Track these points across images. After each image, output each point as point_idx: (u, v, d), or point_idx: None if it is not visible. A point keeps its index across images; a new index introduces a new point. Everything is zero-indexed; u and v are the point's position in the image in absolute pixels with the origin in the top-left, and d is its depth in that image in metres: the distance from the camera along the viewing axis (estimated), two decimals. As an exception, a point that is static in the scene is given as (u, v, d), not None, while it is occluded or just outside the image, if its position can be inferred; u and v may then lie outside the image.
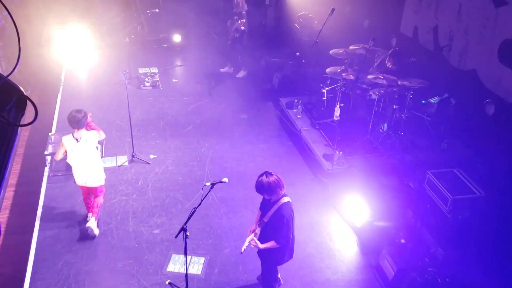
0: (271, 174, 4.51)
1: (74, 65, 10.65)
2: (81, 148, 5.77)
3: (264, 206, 4.72)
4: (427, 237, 6.13)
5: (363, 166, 7.39)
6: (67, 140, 5.77)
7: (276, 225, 4.51)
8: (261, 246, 4.60)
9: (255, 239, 4.63)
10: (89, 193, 6.18)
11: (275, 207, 4.51)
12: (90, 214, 6.26)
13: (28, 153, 7.98)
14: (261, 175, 4.51)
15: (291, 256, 4.89)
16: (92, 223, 6.06)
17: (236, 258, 5.88)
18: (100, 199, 6.22)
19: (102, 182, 6.14)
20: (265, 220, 4.58)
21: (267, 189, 4.45)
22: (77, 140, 5.75)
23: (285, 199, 4.55)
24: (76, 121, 5.68)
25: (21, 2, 10.88)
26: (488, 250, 6.10)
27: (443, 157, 7.64)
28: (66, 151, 5.80)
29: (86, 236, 6.13)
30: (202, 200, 4.63)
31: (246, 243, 4.65)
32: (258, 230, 4.69)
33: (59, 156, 5.89)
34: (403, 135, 7.75)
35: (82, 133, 5.78)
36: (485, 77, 7.48)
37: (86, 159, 5.86)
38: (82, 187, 6.13)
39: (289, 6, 12.72)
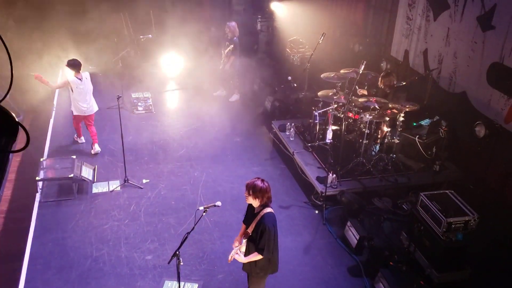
0: (264, 180, 4.59)
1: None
2: (84, 84, 8.04)
3: (248, 219, 4.74)
4: (421, 260, 6.10)
5: (356, 188, 7.40)
6: (72, 78, 7.91)
7: (258, 235, 4.50)
8: (244, 260, 4.60)
9: (239, 252, 4.62)
10: (82, 120, 8.45)
11: (258, 217, 4.53)
12: (95, 145, 8.62)
13: (20, 178, 7.91)
14: (256, 178, 4.59)
15: (276, 269, 4.83)
16: (97, 148, 8.58)
17: (230, 284, 5.80)
18: (93, 128, 8.53)
19: (96, 109, 8.48)
20: (249, 232, 4.58)
21: (255, 191, 4.49)
22: (80, 79, 7.95)
23: (267, 209, 4.56)
24: (79, 65, 7.92)
25: (17, 28, 11.00)
26: (482, 271, 6.09)
27: (435, 179, 7.68)
28: (69, 86, 7.94)
29: (77, 263, 6.05)
30: (195, 224, 4.59)
31: (233, 253, 4.65)
32: (244, 243, 4.67)
33: (58, 87, 8.51)
34: (395, 157, 7.79)
35: (82, 73, 7.97)
36: (475, 99, 7.59)
37: (89, 91, 8.17)
38: (79, 116, 8.34)
39: (280, 32, 12.93)
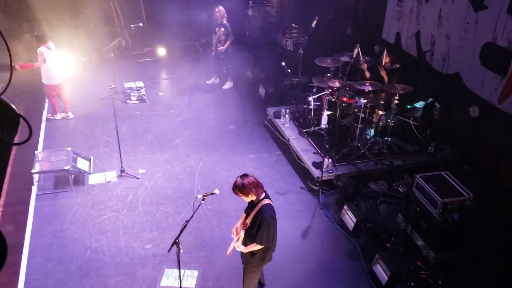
0: (247, 175, 4.59)
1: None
2: (53, 53, 8.73)
3: (248, 209, 4.77)
4: (418, 241, 6.17)
5: (352, 172, 7.44)
6: (44, 50, 8.58)
7: (258, 226, 4.53)
8: (244, 249, 4.63)
9: (239, 244, 4.67)
10: (57, 91, 9.06)
11: (256, 208, 4.56)
12: (69, 113, 9.45)
13: (15, 172, 7.86)
14: (238, 176, 4.61)
15: (270, 259, 4.86)
16: (71, 116, 9.43)
17: (230, 271, 5.85)
18: (65, 95, 9.27)
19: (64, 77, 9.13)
20: (248, 222, 4.62)
21: (241, 189, 4.52)
22: (49, 48, 8.66)
23: (266, 201, 4.58)
24: (46, 36, 8.69)
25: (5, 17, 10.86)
26: (479, 251, 6.17)
27: (430, 160, 7.73)
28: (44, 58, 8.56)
29: (77, 254, 6.06)
30: (194, 213, 4.61)
31: (231, 248, 4.71)
32: (242, 233, 4.70)
33: (41, 62, 8.60)
34: (390, 140, 7.83)
35: (50, 43, 8.69)
36: (469, 80, 7.61)
37: (58, 60, 8.84)
38: (53, 87, 8.96)
39: (272, 17, 12.84)
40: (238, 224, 4.88)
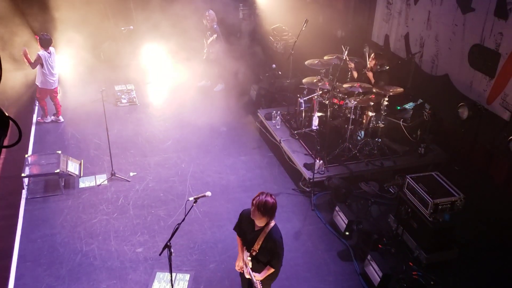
0: (270, 194, 4.27)
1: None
2: (52, 58, 8.77)
3: (249, 234, 4.41)
4: (410, 241, 6.21)
5: (343, 173, 7.47)
6: (43, 54, 8.56)
7: (270, 251, 4.33)
8: (260, 277, 4.43)
9: (257, 276, 4.42)
10: (48, 95, 9.11)
11: (264, 232, 4.29)
12: (60, 116, 9.44)
13: (4, 175, 7.80)
14: (263, 194, 4.22)
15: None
16: (61, 119, 9.42)
17: (222, 273, 5.84)
18: (58, 99, 9.31)
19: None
20: (256, 249, 4.34)
21: (269, 211, 4.21)
22: (49, 53, 8.68)
23: (272, 222, 4.35)
24: (51, 41, 8.69)
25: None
26: (470, 250, 6.22)
27: (421, 161, 7.78)
28: (40, 61, 8.56)
29: (67, 258, 6.02)
30: (186, 215, 4.59)
31: (255, 278, 4.39)
32: (248, 261, 4.47)
33: (36, 65, 8.60)
34: (381, 141, 7.87)
35: (50, 48, 8.70)
36: (458, 82, 7.67)
37: (55, 65, 8.89)
38: (46, 90, 8.96)
39: (263, 19, 12.87)
40: (239, 252, 4.64)
